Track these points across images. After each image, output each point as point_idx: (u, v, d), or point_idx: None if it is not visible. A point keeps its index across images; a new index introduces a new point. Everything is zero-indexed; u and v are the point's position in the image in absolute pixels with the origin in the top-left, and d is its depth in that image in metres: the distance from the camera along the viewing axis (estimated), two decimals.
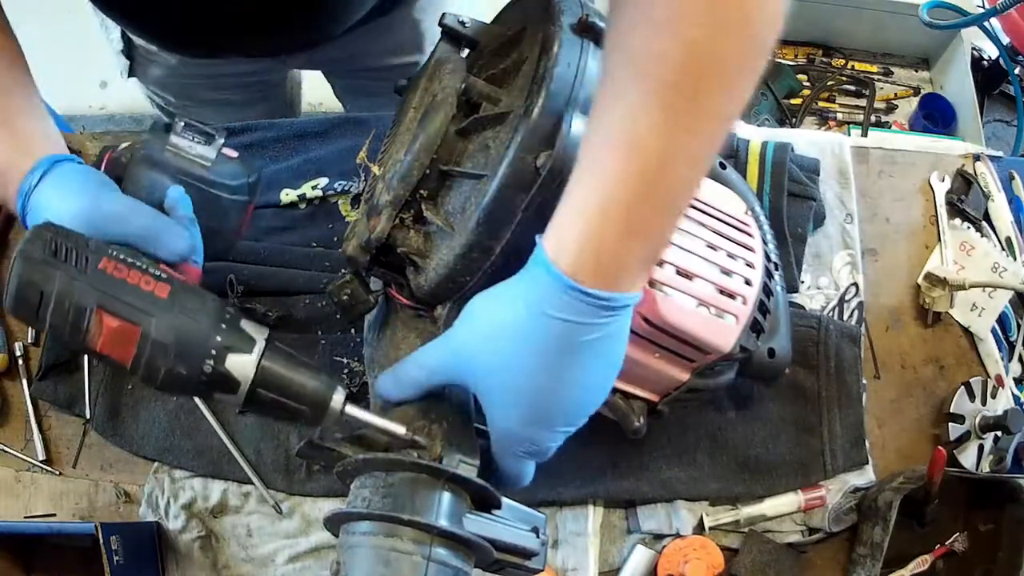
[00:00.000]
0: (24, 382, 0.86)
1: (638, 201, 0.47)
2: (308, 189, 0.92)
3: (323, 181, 0.92)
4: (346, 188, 0.92)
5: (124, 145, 0.65)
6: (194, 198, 0.62)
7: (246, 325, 0.52)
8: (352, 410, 0.53)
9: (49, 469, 0.84)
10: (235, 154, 0.66)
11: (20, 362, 0.87)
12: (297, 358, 0.53)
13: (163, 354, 0.50)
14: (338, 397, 0.53)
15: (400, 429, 0.52)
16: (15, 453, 0.85)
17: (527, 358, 0.49)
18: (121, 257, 0.51)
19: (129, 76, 0.96)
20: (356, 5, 0.83)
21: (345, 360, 0.85)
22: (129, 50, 0.94)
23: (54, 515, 0.83)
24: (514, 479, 0.56)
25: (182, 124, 0.63)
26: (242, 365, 0.51)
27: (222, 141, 0.65)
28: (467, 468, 0.51)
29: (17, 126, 0.58)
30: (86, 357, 0.85)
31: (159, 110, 1.10)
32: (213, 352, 0.50)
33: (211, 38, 0.82)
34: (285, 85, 1.15)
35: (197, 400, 0.83)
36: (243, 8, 0.74)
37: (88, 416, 0.84)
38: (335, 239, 0.90)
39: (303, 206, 0.92)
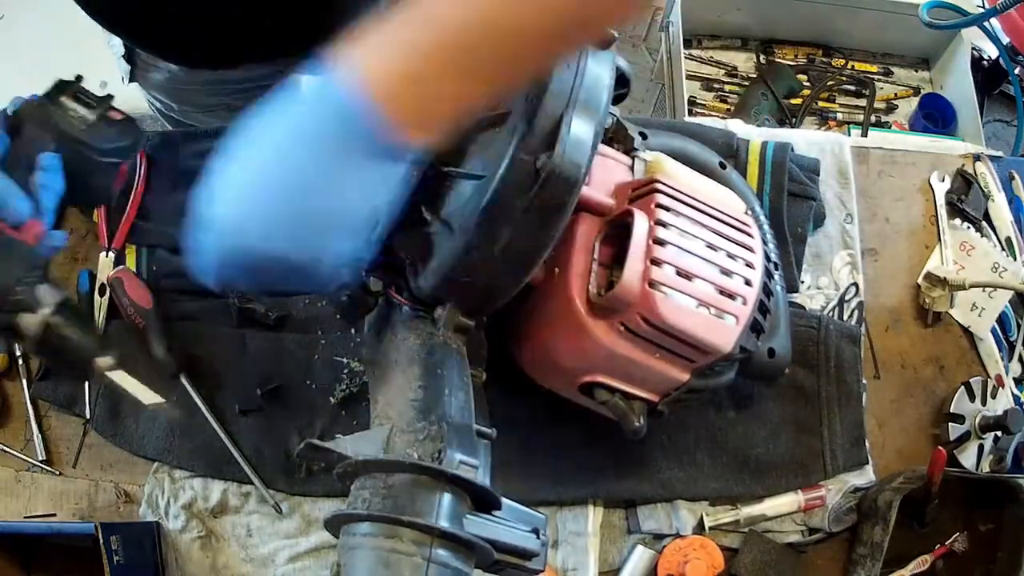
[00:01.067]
0: (24, 382, 0.86)
1: (468, 56, 0.45)
2: None
3: None
4: None
5: (26, 99, 0.72)
6: (69, 156, 0.70)
7: (45, 289, 0.61)
8: (111, 375, 0.62)
9: (49, 469, 0.84)
10: (120, 116, 0.74)
11: (20, 362, 0.87)
12: (84, 322, 0.63)
13: None
14: (105, 361, 0.62)
15: (156, 400, 0.63)
16: (15, 453, 0.85)
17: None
18: None
19: (130, 81, 0.96)
20: (353, 15, 0.83)
21: (345, 360, 0.85)
22: (130, 55, 0.94)
23: (54, 515, 0.83)
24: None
25: (75, 88, 0.72)
26: (29, 320, 0.60)
27: (107, 106, 0.73)
28: (467, 469, 0.51)
29: None
30: None
31: (159, 114, 1.10)
32: (9, 306, 0.59)
33: (213, 50, 0.82)
34: None
35: (197, 400, 0.83)
36: (245, 20, 0.74)
37: (88, 416, 0.84)
38: None
39: None
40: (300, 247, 0.48)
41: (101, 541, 0.72)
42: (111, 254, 0.89)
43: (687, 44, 1.82)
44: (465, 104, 0.48)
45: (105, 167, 0.74)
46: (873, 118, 1.81)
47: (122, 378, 0.64)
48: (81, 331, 0.62)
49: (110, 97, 0.73)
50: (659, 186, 0.66)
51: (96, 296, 0.87)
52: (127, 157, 0.76)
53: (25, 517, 0.83)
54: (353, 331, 0.86)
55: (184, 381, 0.83)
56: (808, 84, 1.83)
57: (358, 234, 0.50)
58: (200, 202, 0.48)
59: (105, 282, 0.87)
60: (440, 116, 0.48)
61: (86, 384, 0.85)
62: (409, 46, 0.46)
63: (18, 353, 0.87)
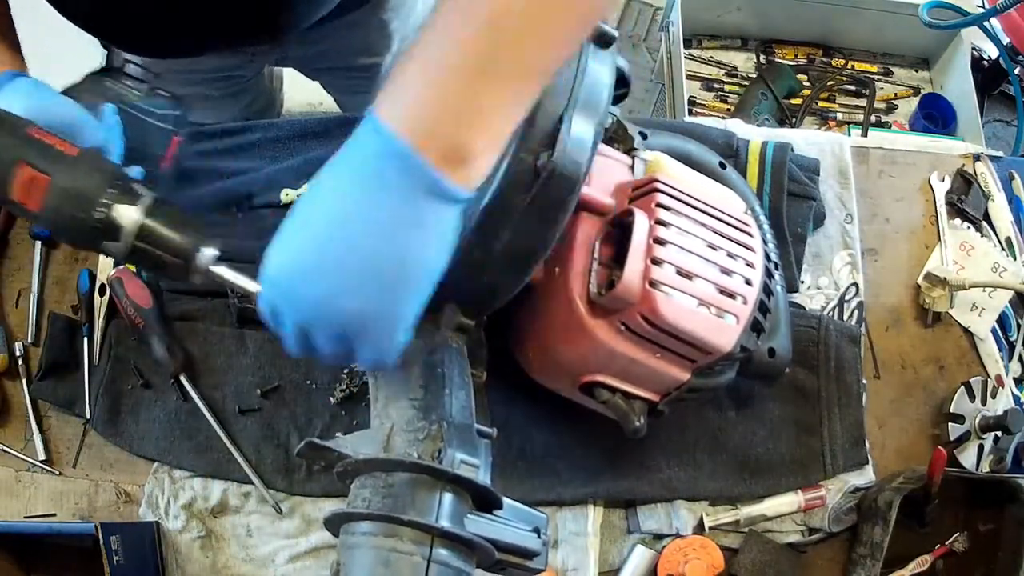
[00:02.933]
0: (24, 382, 0.86)
1: (485, 66, 0.45)
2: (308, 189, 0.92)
3: None
4: None
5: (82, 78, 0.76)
6: (126, 120, 0.72)
7: (137, 186, 0.59)
8: (217, 268, 0.59)
9: (49, 469, 0.84)
10: (167, 94, 0.79)
11: (20, 362, 0.87)
12: (183, 217, 0.59)
13: (67, 201, 0.57)
14: (207, 252, 0.58)
15: (255, 287, 0.55)
16: (15, 453, 0.85)
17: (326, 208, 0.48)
18: (46, 128, 0.59)
19: (107, 62, 0.97)
20: (314, 5, 0.83)
21: None
22: (106, 44, 0.95)
23: (54, 515, 0.83)
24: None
25: (128, 68, 0.78)
26: (127, 214, 0.57)
27: (154, 84, 0.78)
28: (468, 469, 0.51)
29: None
30: (86, 357, 0.85)
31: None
32: (105, 202, 0.57)
33: (174, 41, 0.83)
34: (261, 81, 1.16)
35: (197, 400, 0.83)
36: (205, 11, 0.75)
37: (88, 416, 0.84)
38: None
39: None
40: (369, 299, 0.48)
41: (101, 541, 0.72)
42: None
43: (687, 44, 1.82)
44: (500, 124, 0.48)
45: (160, 133, 0.77)
46: (873, 118, 1.81)
47: (225, 271, 0.60)
48: (179, 226, 0.59)
49: (156, 76, 0.78)
50: (659, 185, 0.66)
51: (96, 296, 0.87)
52: (180, 126, 0.79)
53: (25, 517, 0.83)
54: None
55: (184, 381, 0.83)
56: (808, 84, 1.83)
57: (423, 287, 0.49)
58: (271, 258, 0.49)
59: (105, 282, 0.87)
60: (478, 149, 0.47)
61: (86, 384, 0.85)
62: (434, 82, 0.46)
63: (18, 353, 0.87)
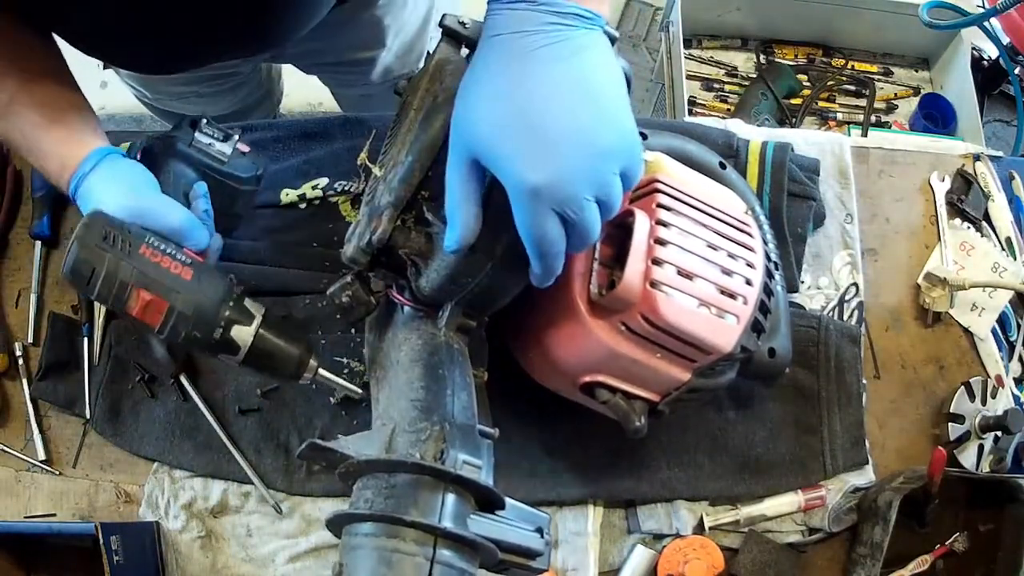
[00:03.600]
0: (24, 382, 0.86)
1: None
2: (308, 189, 0.92)
3: (323, 181, 0.92)
4: (346, 188, 0.92)
5: (158, 136, 0.77)
6: (211, 186, 0.76)
7: (248, 303, 0.67)
8: (323, 373, 0.70)
9: (49, 469, 0.84)
10: (247, 149, 0.79)
11: (20, 362, 0.87)
12: (287, 330, 0.68)
13: (184, 322, 0.64)
14: (313, 363, 0.69)
15: (357, 391, 0.70)
16: (15, 453, 0.85)
17: (488, 76, 0.51)
18: (156, 244, 0.64)
19: (104, 67, 0.97)
20: (305, 17, 0.83)
21: (345, 360, 0.85)
22: None
23: (54, 515, 0.83)
24: (546, 258, 0.52)
25: (204, 122, 0.77)
26: (243, 333, 0.65)
27: (236, 138, 0.79)
28: (471, 469, 0.51)
29: (69, 122, 0.69)
30: (86, 357, 0.85)
31: (139, 100, 1.12)
32: (222, 323, 0.64)
33: (163, 60, 0.82)
34: (258, 75, 1.17)
35: (197, 400, 0.83)
36: (192, 32, 0.74)
37: (88, 416, 0.84)
38: (335, 239, 0.90)
39: (303, 206, 0.92)
40: (619, 123, 0.52)
41: (101, 541, 0.72)
42: None
43: (687, 44, 1.82)
44: None
45: (245, 195, 0.80)
46: (873, 118, 1.81)
47: (330, 376, 0.70)
48: (289, 339, 0.68)
49: (236, 130, 0.80)
50: (660, 186, 0.66)
51: None
52: (259, 185, 0.82)
53: (25, 517, 0.83)
54: (353, 331, 0.86)
55: (184, 381, 0.83)
56: (808, 84, 1.83)
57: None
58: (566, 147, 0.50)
59: None
60: None
61: (86, 384, 0.85)
62: None
63: (18, 353, 0.87)
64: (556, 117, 0.49)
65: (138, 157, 0.74)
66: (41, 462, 0.84)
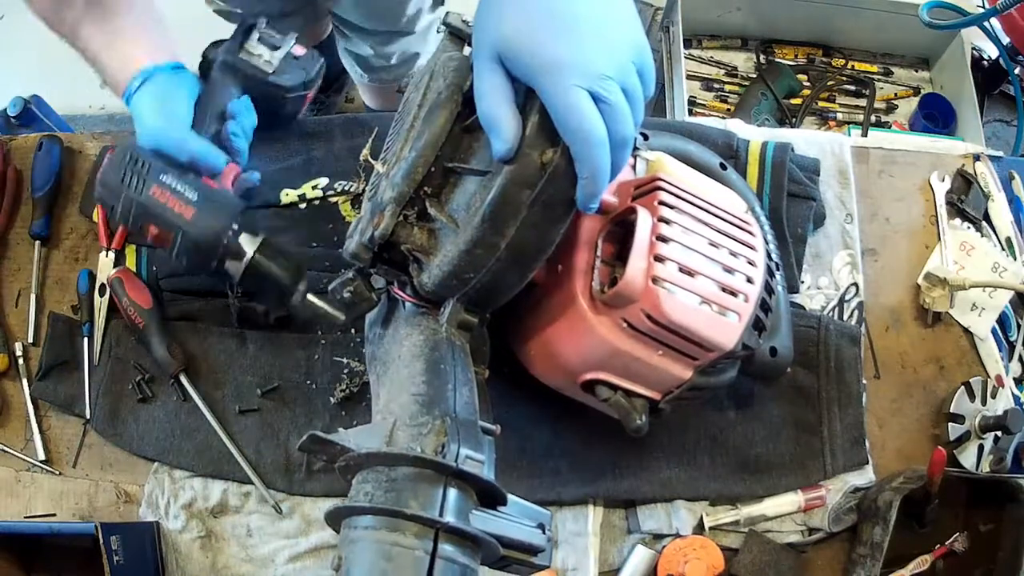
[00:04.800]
0: (24, 382, 0.86)
1: None
2: (308, 189, 0.92)
3: (323, 181, 0.92)
4: (346, 188, 0.92)
5: (213, 43, 0.83)
6: (258, 94, 0.83)
7: (244, 239, 0.75)
8: (311, 297, 0.76)
9: (49, 469, 0.84)
10: (302, 52, 0.85)
11: (20, 362, 0.87)
12: (279, 260, 0.76)
13: (185, 252, 0.74)
14: (302, 287, 0.76)
15: (340, 316, 0.75)
16: (15, 453, 0.84)
17: None
18: (167, 182, 0.74)
19: None
20: None
21: (345, 360, 0.85)
22: None
23: (54, 515, 0.83)
24: (588, 145, 0.52)
25: (262, 25, 0.83)
26: (233, 268, 0.75)
27: (290, 45, 0.83)
28: (473, 464, 0.51)
29: (120, 46, 0.78)
30: (86, 357, 0.85)
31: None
32: (216, 257, 0.74)
33: None
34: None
35: (197, 400, 0.83)
36: None
37: (88, 416, 0.84)
38: (335, 239, 0.90)
39: (303, 206, 0.92)
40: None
41: (101, 541, 0.71)
42: (111, 254, 0.89)
43: (687, 44, 1.82)
44: None
45: (293, 100, 0.86)
46: (873, 118, 1.81)
47: (316, 300, 0.76)
48: (280, 266, 0.76)
49: (293, 35, 0.84)
50: (662, 184, 0.66)
51: (96, 296, 0.87)
52: (312, 88, 0.86)
53: (25, 517, 0.83)
54: (353, 331, 0.86)
55: (184, 381, 0.83)
56: (808, 84, 1.83)
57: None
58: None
59: (105, 282, 0.87)
60: None
61: (86, 384, 0.85)
62: None
63: (18, 353, 0.87)
64: (576, 13, 0.53)
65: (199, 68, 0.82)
66: (41, 462, 0.84)
